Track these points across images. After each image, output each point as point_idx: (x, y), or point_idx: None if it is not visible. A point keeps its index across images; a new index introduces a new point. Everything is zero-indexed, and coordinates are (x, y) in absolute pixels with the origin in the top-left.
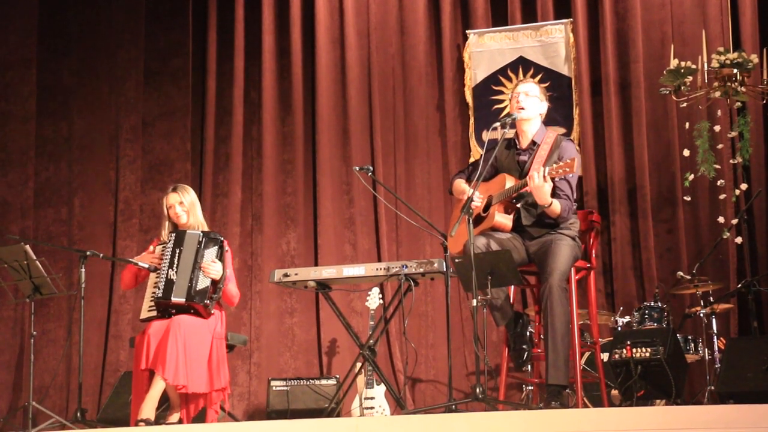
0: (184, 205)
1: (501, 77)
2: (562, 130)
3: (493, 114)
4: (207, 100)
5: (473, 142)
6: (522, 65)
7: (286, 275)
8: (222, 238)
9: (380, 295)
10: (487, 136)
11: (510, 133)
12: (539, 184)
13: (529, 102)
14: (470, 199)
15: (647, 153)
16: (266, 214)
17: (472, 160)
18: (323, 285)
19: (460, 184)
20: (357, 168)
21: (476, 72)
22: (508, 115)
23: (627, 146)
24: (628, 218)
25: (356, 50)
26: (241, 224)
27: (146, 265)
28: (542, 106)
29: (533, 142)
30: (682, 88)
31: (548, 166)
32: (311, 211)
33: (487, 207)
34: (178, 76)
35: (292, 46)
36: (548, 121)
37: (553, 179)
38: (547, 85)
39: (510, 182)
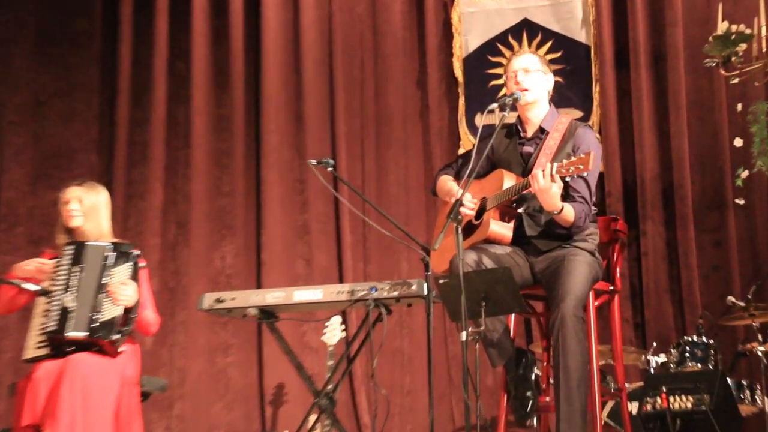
0: (83, 205)
1: (500, 45)
2: (579, 114)
3: (489, 92)
4: (119, 72)
5: (463, 129)
6: (527, 29)
7: (219, 300)
8: (136, 252)
9: (342, 327)
10: (481, 120)
11: (511, 117)
12: (545, 186)
13: (531, 80)
14: (459, 202)
15: (687, 142)
16: (195, 221)
17: (461, 151)
18: (268, 313)
19: (447, 182)
20: (314, 161)
21: (468, 38)
22: (509, 94)
23: (661, 134)
24: (663, 227)
25: (314, 9)
26: (161, 233)
27: (33, 287)
28: (548, 80)
29: (541, 129)
30: (733, 59)
31: (557, 161)
32: (253, 216)
33: (480, 213)
34: (81, 41)
35: (230, 2)
36: (560, 101)
37: (563, 179)
38: (558, 55)
39: (510, 181)
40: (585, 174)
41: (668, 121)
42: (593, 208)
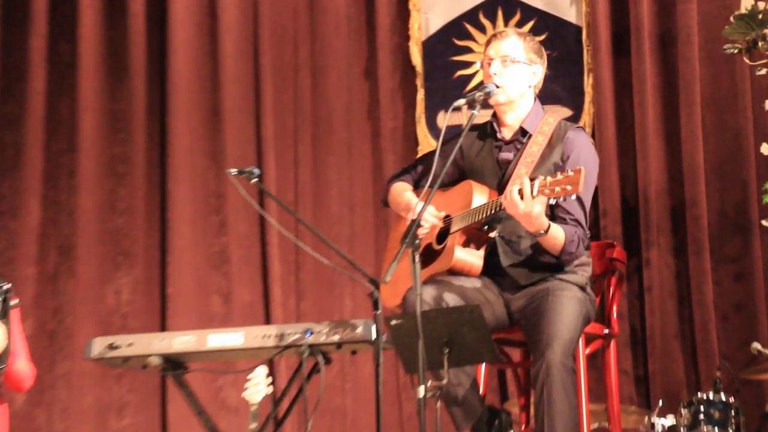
0: None
1: (469, 26)
2: (567, 112)
3: (454, 84)
4: None
5: (422, 130)
6: (503, 6)
7: (112, 347)
8: (6, 286)
9: (269, 380)
10: (445, 119)
11: (483, 116)
12: (525, 210)
13: (510, 74)
14: (416, 222)
15: (702, 149)
16: (82, 245)
17: (420, 154)
18: (175, 363)
19: (403, 192)
20: (234, 171)
21: (429, 17)
22: (480, 86)
23: (670, 138)
24: (671, 255)
25: None
26: (39, 261)
27: None
28: (535, 73)
29: (522, 131)
30: (760, 44)
31: (540, 173)
32: (157, 240)
33: (444, 235)
34: None
35: None
36: (543, 96)
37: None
38: (542, 38)
39: (481, 197)
40: (573, 197)
41: (678, 121)
42: (588, 231)
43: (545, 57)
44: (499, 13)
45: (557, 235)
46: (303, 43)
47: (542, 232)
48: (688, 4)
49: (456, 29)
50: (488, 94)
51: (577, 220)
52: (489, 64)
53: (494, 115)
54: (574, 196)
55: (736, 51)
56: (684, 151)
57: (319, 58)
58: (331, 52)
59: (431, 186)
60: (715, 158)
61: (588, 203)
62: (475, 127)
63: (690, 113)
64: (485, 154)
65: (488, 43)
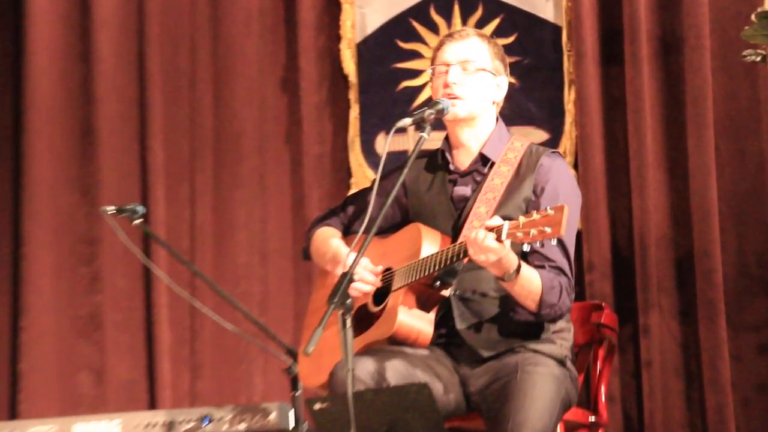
0: None
1: (417, 24)
2: (542, 135)
3: (398, 99)
4: None
5: (356, 156)
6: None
7: None
8: None
9: None
10: (386, 143)
11: (435, 140)
12: (491, 260)
13: (472, 84)
14: (348, 276)
15: (716, 185)
16: None
17: (353, 191)
18: None
19: (330, 240)
20: (111, 209)
21: (365, 11)
22: (430, 103)
23: (675, 170)
24: (676, 321)
25: None
26: None
27: None
28: (499, 85)
29: (483, 159)
30: None
31: (505, 212)
32: (6, 299)
33: (383, 294)
34: None
35: None
36: (512, 114)
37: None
38: (510, 41)
39: (431, 244)
40: (553, 241)
41: (685, 149)
42: (572, 281)
43: (509, 67)
44: (456, 8)
45: (532, 277)
46: (202, 44)
47: (512, 272)
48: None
49: (400, 28)
50: (442, 111)
51: (558, 267)
52: (445, 72)
53: (446, 140)
54: (554, 241)
55: (758, 59)
56: (692, 186)
57: (223, 64)
58: (239, 57)
59: (366, 232)
60: (732, 196)
61: (571, 249)
62: (421, 155)
63: (700, 138)
64: (436, 189)
65: (441, 45)
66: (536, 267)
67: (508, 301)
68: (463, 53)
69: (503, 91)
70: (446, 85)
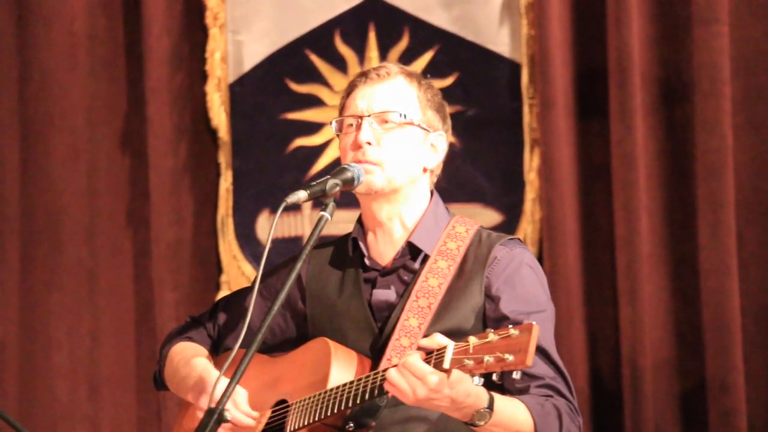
0: None
1: (314, 56)
2: (495, 218)
3: (288, 163)
4: None
5: (229, 244)
6: (376, 20)
7: None
8: None
9: None
10: (271, 226)
11: (341, 222)
12: (433, 401)
13: (395, 143)
14: (216, 415)
15: (740, 289)
16: None
17: (225, 293)
18: None
19: (191, 360)
20: None
21: (242, 40)
22: (335, 169)
23: (680, 267)
24: None
25: None
26: None
27: None
28: (435, 147)
29: (411, 249)
30: None
31: (448, 331)
32: None
33: None
34: None
35: None
36: (454, 188)
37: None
38: (449, 82)
39: (343, 369)
40: (517, 374)
41: (695, 236)
42: (574, 396)
43: (449, 120)
44: (371, 35)
45: (514, 411)
46: (5, 79)
47: (483, 409)
48: (714, 27)
49: (292, 63)
50: (351, 182)
51: (549, 386)
52: (356, 127)
53: (359, 222)
54: (517, 374)
55: None
56: (705, 291)
57: (35, 110)
58: (60, 100)
59: (245, 347)
60: (761, 305)
61: (558, 358)
62: (323, 244)
63: (716, 224)
64: (348, 293)
65: (352, 88)
66: (516, 391)
67: None
68: (381, 100)
69: (440, 154)
70: (357, 146)
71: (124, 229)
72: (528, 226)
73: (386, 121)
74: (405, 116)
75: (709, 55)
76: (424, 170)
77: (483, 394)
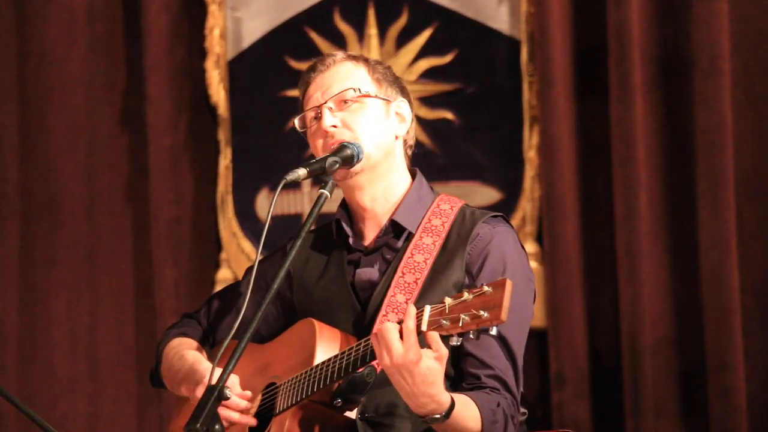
0: None
1: (313, 33)
2: (493, 195)
3: (287, 140)
4: None
5: (229, 220)
6: (377, 0)
7: None
8: None
9: None
10: (270, 204)
11: (332, 201)
12: (410, 358)
13: (360, 115)
14: (216, 391)
15: (739, 266)
16: None
17: (224, 270)
18: None
19: (184, 353)
20: None
21: (241, 16)
22: (339, 148)
23: (679, 244)
24: None
25: None
26: None
27: None
28: (401, 115)
29: (395, 228)
30: None
31: (429, 301)
32: None
33: (265, 418)
34: None
35: None
36: (452, 165)
37: (447, 339)
38: (448, 60)
39: (328, 346)
40: (493, 330)
41: (694, 213)
42: (520, 407)
43: (409, 93)
44: (370, 12)
45: (466, 416)
46: (3, 55)
47: (438, 416)
48: (714, 4)
49: (291, 40)
50: (351, 159)
51: (499, 378)
52: (317, 115)
53: (343, 206)
54: (494, 330)
55: None
56: (704, 269)
57: (34, 86)
58: (59, 77)
59: (238, 337)
60: (761, 283)
61: (519, 350)
62: (317, 228)
63: (715, 201)
64: (333, 275)
65: (306, 83)
66: (468, 377)
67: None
68: (333, 84)
69: (408, 122)
70: (324, 133)
71: (123, 206)
72: (527, 203)
73: (345, 101)
74: (360, 90)
75: (708, 32)
76: (396, 138)
77: (445, 397)
